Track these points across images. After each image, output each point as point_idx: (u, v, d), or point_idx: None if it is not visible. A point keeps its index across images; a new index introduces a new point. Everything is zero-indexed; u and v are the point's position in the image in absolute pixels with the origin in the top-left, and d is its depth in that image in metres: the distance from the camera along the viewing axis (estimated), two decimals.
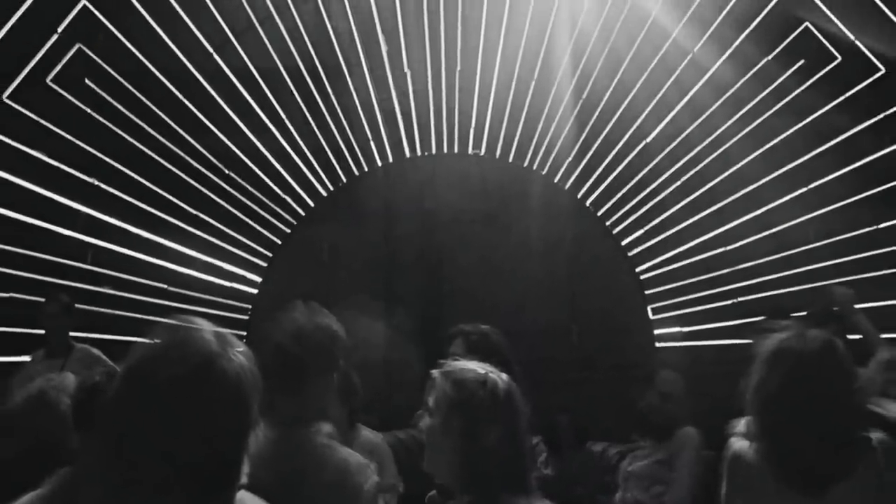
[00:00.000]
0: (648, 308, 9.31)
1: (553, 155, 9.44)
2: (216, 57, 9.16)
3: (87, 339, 7.37)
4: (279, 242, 9.49)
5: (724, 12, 8.91)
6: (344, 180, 9.55)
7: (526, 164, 9.50)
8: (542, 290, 9.21)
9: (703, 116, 9.06)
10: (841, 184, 8.70)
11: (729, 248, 9.00)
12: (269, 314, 3.26)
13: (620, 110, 9.21)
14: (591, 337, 9.12)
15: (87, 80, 8.85)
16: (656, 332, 9.25)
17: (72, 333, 7.21)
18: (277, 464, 2.81)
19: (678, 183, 9.13)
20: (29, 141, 8.59)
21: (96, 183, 8.81)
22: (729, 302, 8.94)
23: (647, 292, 9.32)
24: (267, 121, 9.29)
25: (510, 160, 9.51)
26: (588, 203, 9.44)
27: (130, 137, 8.90)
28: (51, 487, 2.71)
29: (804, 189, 8.79)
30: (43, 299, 7.39)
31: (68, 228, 8.72)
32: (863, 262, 8.40)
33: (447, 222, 9.36)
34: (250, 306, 9.38)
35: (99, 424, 2.25)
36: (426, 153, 9.58)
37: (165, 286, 8.97)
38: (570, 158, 9.40)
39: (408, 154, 9.58)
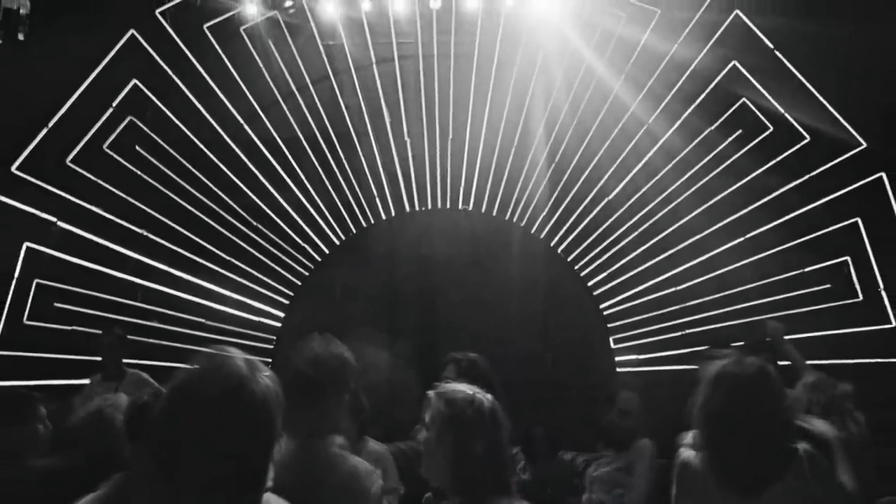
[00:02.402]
0: (610, 338, 9.29)
1: (530, 209, 9.46)
2: (246, 127, 9.22)
3: (138, 364, 7.39)
4: (299, 283, 9.48)
5: (675, 90, 8.99)
6: (354, 231, 9.56)
7: (507, 217, 9.52)
8: (521, 323, 9.18)
9: (657, 177, 9.10)
10: (773, 234, 8.73)
11: (678, 288, 9.00)
12: (290, 344, 3.27)
13: (587, 172, 9.24)
14: (563, 363, 9.07)
15: (137, 147, 8.90)
16: (617, 358, 9.22)
17: (125, 360, 7.22)
18: (297, 470, 2.81)
19: (636, 233, 9.13)
20: (88, 198, 8.69)
21: (145, 233, 8.83)
22: (678, 333, 8.93)
23: (609, 325, 9.31)
24: (289, 181, 9.32)
25: (494, 214, 9.53)
26: (559, 250, 9.44)
27: (174, 195, 8.95)
28: (107, 490, 2.71)
29: (742, 238, 8.82)
30: (100, 332, 7.44)
31: (122, 272, 8.75)
32: (791, 300, 8.42)
33: (441, 266, 9.34)
34: (275, 337, 9.35)
35: (147, 437, 2.26)
36: (423, 208, 9.59)
37: (203, 320, 8.97)
38: (544, 212, 9.41)
39: (408, 209, 9.59)
